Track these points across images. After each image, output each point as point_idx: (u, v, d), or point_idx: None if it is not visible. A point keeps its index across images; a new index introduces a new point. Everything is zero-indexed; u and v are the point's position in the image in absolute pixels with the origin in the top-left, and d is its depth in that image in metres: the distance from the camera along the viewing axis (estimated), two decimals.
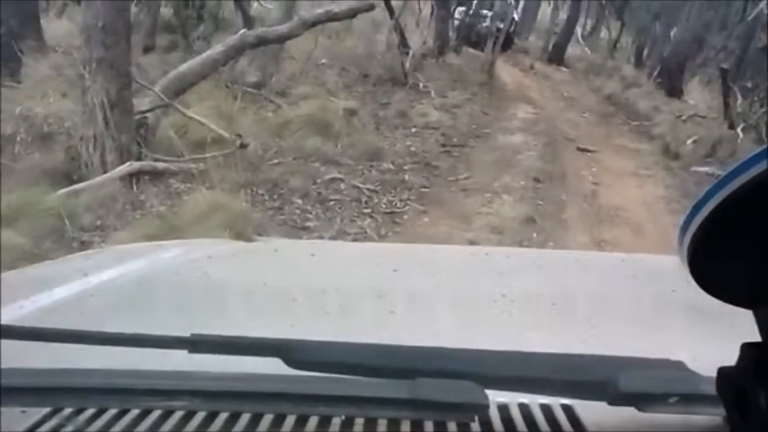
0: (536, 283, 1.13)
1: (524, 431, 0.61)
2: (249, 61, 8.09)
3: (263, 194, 5.34)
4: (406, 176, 6.32)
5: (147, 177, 5.11)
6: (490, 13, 13.58)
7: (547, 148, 8.24)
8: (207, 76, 6.67)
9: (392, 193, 5.84)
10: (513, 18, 13.75)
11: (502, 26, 13.35)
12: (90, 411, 0.61)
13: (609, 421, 0.61)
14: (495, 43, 12.50)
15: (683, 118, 10.54)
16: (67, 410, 0.61)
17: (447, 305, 1.03)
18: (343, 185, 5.80)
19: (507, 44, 13.34)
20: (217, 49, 6.74)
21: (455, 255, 1.50)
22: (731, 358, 0.48)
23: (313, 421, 0.60)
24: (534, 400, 0.64)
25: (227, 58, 6.81)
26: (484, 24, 13.51)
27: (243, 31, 7.55)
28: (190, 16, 9.71)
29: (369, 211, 5.42)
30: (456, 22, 13.47)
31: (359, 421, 0.60)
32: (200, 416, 0.61)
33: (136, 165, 5.09)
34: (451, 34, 13.11)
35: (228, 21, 10.04)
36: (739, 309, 0.46)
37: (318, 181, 5.77)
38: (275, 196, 5.37)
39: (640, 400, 0.58)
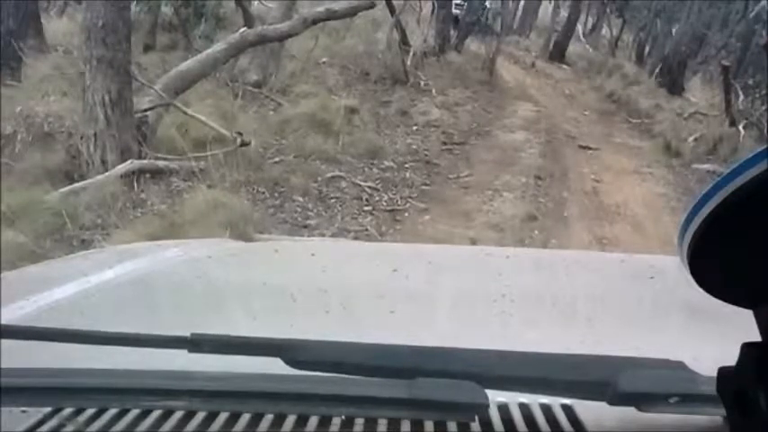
0: (536, 283, 1.13)
1: (524, 431, 0.61)
2: (250, 59, 8.08)
3: (263, 192, 5.35)
4: (407, 174, 6.33)
5: (147, 176, 5.11)
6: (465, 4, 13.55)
7: (548, 145, 8.24)
8: (207, 75, 6.68)
9: (393, 191, 5.84)
10: (486, 7, 13.69)
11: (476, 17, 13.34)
12: (90, 411, 0.61)
13: (609, 421, 0.61)
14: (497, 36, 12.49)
15: (685, 116, 10.52)
16: (68, 410, 0.61)
17: (447, 305, 1.02)
18: (343, 183, 5.80)
19: (480, 30, 13.36)
20: (217, 47, 6.73)
21: (455, 255, 1.49)
22: (731, 358, 0.48)
23: (313, 421, 0.60)
24: (534, 400, 0.64)
25: (227, 57, 6.81)
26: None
27: (243, 29, 7.55)
28: (190, 15, 9.70)
29: (369, 208, 5.42)
30: (458, 13, 13.41)
31: (359, 421, 0.60)
32: (200, 416, 0.61)
33: (136, 163, 5.09)
34: (452, 32, 13.09)
35: (229, 19, 10.03)
36: (739, 309, 0.46)
37: (319, 179, 5.77)
38: (276, 194, 5.37)
39: (640, 400, 0.58)
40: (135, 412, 0.61)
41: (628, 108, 11.54)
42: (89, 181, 4.83)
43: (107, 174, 4.92)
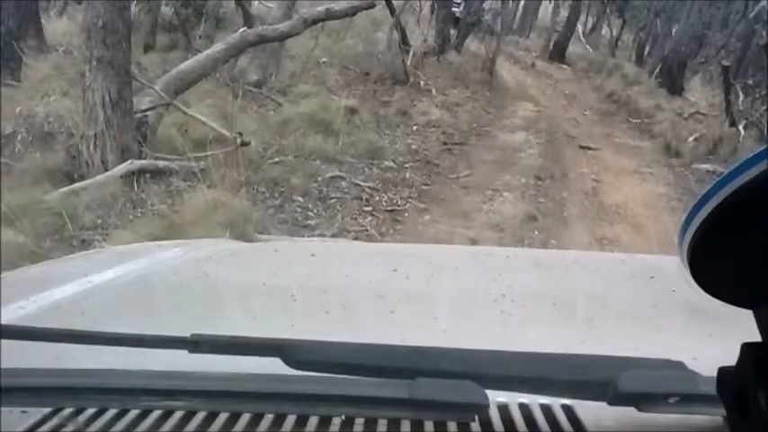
0: (536, 283, 1.12)
1: (524, 431, 0.61)
2: (250, 60, 8.09)
3: (263, 193, 5.35)
4: (407, 174, 6.33)
5: (147, 176, 5.11)
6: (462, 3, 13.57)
7: (548, 146, 8.24)
8: (207, 75, 6.67)
9: (393, 191, 5.85)
10: (483, 8, 13.74)
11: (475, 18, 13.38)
12: (90, 411, 0.61)
13: (609, 421, 0.61)
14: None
15: (685, 116, 10.53)
16: (67, 410, 0.61)
17: (447, 305, 1.03)
18: (344, 183, 5.80)
19: (480, 30, 13.42)
20: (217, 47, 6.73)
21: (455, 255, 1.49)
22: (731, 358, 0.48)
23: (313, 421, 0.60)
24: (534, 400, 0.64)
25: (227, 57, 6.81)
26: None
27: (243, 29, 7.55)
28: (190, 15, 9.70)
29: (370, 209, 5.42)
30: (456, 12, 13.41)
31: (359, 421, 0.60)
32: (200, 416, 0.61)
33: (136, 163, 5.08)
34: (452, 32, 13.09)
35: (229, 19, 10.04)
36: (739, 309, 0.46)
37: (319, 179, 5.77)
38: (276, 194, 5.37)
39: (640, 400, 0.58)
40: (135, 412, 0.61)
41: (628, 108, 11.55)
42: (89, 181, 4.83)
43: (107, 174, 4.92)
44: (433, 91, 9.58)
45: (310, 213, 5.17)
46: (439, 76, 10.52)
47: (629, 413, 0.58)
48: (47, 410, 0.61)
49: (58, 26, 9.50)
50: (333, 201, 5.43)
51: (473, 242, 4.66)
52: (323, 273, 1.14)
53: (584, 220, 5.73)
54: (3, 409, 0.59)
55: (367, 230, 4.98)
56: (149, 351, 0.65)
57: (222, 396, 0.62)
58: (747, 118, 9.40)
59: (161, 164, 5.28)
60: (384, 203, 5.58)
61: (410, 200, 5.73)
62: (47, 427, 0.60)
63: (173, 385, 0.62)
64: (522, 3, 20.77)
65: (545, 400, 0.64)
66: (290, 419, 0.60)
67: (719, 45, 14.88)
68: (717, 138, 8.80)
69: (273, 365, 0.61)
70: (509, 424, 0.61)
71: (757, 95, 10.01)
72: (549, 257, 1.57)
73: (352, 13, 8.86)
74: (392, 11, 10.49)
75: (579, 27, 19.77)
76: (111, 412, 0.61)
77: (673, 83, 13.11)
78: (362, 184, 5.87)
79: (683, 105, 11.57)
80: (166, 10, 10.00)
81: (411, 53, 10.06)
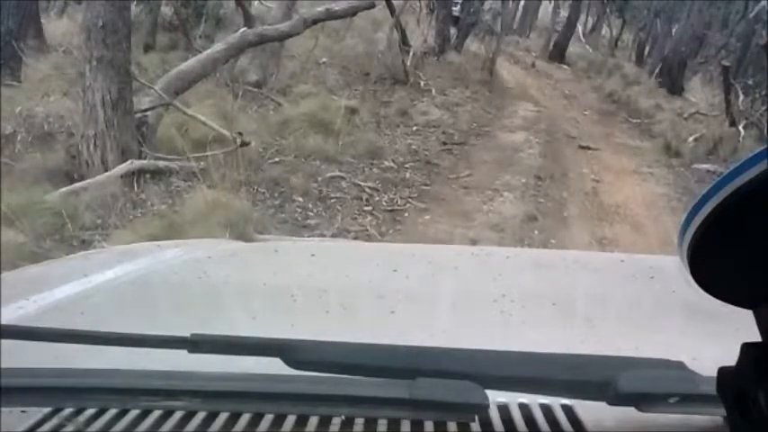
0: (536, 283, 1.13)
1: (524, 431, 0.61)
2: (250, 60, 8.09)
3: (263, 193, 5.35)
4: (407, 174, 6.33)
5: (147, 176, 5.11)
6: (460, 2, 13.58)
7: (548, 146, 8.24)
8: (207, 75, 6.67)
9: (393, 191, 5.85)
10: (482, 8, 13.73)
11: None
12: (90, 411, 0.61)
13: (609, 421, 0.61)
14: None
15: (685, 116, 10.54)
16: (67, 410, 0.61)
17: (447, 305, 1.03)
18: (344, 183, 5.80)
19: (480, 30, 13.46)
20: (217, 47, 6.74)
21: (455, 255, 1.49)
22: (731, 358, 0.48)
23: (313, 421, 0.60)
24: (534, 400, 0.64)
25: (227, 57, 6.81)
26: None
27: (243, 29, 7.55)
28: (190, 15, 9.70)
29: (370, 209, 5.42)
30: (456, 11, 13.40)
31: (359, 421, 0.60)
32: (200, 416, 0.61)
33: (136, 163, 5.08)
34: (452, 32, 13.09)
35: (229, 19, 10.04)
36: (739, 309, 0.46)
37: (319, 179, 5.77)
38: (276, 195, 5.37)
39: (640, 400, 0.58)
40: (135, 412, 0.61)
41: (628, 108, 11.55)
42: (89, 181, 4.83)
43: (107, 174, 4.92)
44: (433, 91, 9.58)
45: (310, 213, 5.17)
46: (439, 76, 10.53)
47: (629, 413, 0.58)
48: (47, 410, 0.61)
49: (58, 26, 9.50)
50: (333, 201, 5.44)
51: (473, 242, 4.66)
52: (323, 273, 1.14)
53: (584, 220, 5.73)
54: (3, 409, 0.59)
55: (367, 230, 4.98)
56: (149, 351, 0.65)
57: (222, 396, 0.62)
58: (747, 118, 9.40)
59: (161, 164, 5.28)
60: (384, 203, 5.58)
61: (410, 200, 5.73)
62: (47, 427, 0.60)
63: (173, 385, 0.62)
64: (522, 3, 20.76)
65: (545, 400, 0.64)
66: (290, 419, 0.60)
67: (719, 45, 14.87)
68: (717, 138, 8.80)
69: (273, 365, 0.61)
70: (509, 424, 0.61)
71: (757, 95, 10.01)
72: (549, 257, 1.57)
73: (352, 13, 8.87)
74: (392, 11, 10.49)
75: (579, 27, 19.77)
76: (111, 412, 0.61)
77: (673, 83, 13.12)
78: (362, 184, 5.87)
79: (683, 105, 11.57)
80: (166, 10, 10.00)
81: (411, 53, 10.06)
